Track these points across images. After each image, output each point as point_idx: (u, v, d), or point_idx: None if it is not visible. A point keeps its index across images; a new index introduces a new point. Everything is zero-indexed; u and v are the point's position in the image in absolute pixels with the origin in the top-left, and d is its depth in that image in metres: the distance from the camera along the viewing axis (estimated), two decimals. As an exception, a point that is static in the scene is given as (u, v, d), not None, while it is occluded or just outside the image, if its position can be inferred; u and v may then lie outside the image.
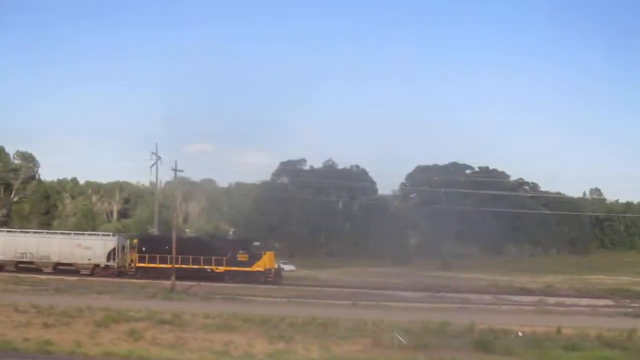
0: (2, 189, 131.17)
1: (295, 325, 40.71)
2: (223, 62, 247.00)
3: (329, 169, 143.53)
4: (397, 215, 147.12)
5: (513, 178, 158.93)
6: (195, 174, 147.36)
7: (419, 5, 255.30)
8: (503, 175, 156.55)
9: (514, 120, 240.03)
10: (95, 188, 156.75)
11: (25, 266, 76.79)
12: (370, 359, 33.26)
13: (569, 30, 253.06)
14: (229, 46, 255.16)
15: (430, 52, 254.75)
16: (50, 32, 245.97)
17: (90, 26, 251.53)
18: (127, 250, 79.32)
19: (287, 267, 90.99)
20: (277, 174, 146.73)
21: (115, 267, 76.42)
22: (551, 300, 61.61)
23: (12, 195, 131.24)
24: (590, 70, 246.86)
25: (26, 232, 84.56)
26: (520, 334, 38.94)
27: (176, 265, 71.43)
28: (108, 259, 76.26)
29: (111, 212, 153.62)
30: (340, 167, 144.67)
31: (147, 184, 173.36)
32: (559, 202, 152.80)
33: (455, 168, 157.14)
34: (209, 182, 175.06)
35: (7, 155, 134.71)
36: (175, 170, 67.85)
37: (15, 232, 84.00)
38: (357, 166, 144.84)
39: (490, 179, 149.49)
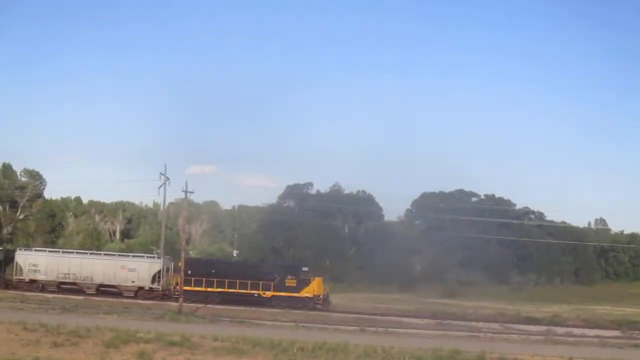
0: (7, 206, 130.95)
1: (306, 350, 40.46)
2: (229, 86, 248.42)
3: (336, 193, 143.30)
4: (402, 241, 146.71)
5: (519, 206, 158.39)
6: (197, 196, 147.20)
7: (427, 35, 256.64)
8: (509, 203, 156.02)
9: (520, 149, 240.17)
10: (99, 207, 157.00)
11: (67, 287, 76.54)
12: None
13: (576, 62, 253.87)
14: (235, 70, 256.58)
15: (439, 80, 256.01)
16: (55, 48, 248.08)
17: (95, 44, 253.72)
18: (171, 272, 78.92)
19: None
20: (284, 197, 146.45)
21: (160, 290, 75.89)
22: (559, 330, 61.38)
23: (18, 212, 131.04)
24: (597, 101, 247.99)
25: (69, 252, 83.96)
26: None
27: (223, 290, 71.92)
28: (152, 281, 75.86)
29: (114, 232, 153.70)
30: (346, 191, 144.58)
31: (150, 204, 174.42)
32: (564, 231, 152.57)
33: (461, 195, 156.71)
34: (212, 204, 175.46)
35: (14, 172, 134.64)
36: (186, 191, 67.50)
37: (58, 252, 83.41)
38: (363, 191, 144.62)
39: (496, 207, 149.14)
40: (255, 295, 73.19)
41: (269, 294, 73.26)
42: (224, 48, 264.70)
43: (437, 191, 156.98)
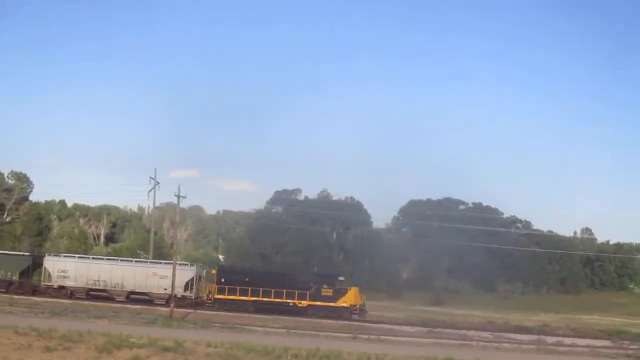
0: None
1: (300, 357, 40.20)
2: (216, 92, 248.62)
3: (324, 199, 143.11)
4: (389, 248, 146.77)
5: (506, 215, 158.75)
6: (182, 200, 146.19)
7: (415, 43, 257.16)
8: (496, 212, 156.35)
9: (508, 157, 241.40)
10: (83, 211, 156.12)
11: (97, 294, 75.86)
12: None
13: (562, 70, 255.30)
14: (224, 76, 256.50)
15: (428, 88, 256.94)
16: (41, 54, 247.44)
17: (79, 52, 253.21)
18: (202, 280, 78.41)
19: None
20: (272, 202, 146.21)
21: (193, 297, 75.15)
22: (550, 339, 61.36)
23: (5, 215, 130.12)
24: (583, 111, 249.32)
25: (99, 258, 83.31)
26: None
27: (257, 298, 71.71)
28: (185, 289, 75.05)
29: (98, 236, 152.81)
30: (335, 198, 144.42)
31: (134, 208, 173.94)
32: (550, 240, 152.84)
33: (448, 203, 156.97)
34: (197, 209, 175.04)
35: (1, 175, 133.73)
36: (178, 196, 67.04)
37: (88, 258, 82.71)
38: (351, 198, 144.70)
39: (484, 215, 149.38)
40: (291, 304, 72.50)
41: (304, 303, 72.52)
42: (211, 55, 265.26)
43: (424, 199, 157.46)
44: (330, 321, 66.64)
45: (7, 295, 71.01)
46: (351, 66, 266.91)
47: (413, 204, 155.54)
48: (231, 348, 41.18)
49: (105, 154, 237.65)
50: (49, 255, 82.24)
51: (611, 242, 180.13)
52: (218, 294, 73.15)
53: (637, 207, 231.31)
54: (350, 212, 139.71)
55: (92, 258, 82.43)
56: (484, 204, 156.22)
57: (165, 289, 74.05)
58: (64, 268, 76.67)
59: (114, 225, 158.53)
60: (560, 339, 62.37)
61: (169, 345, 40.11)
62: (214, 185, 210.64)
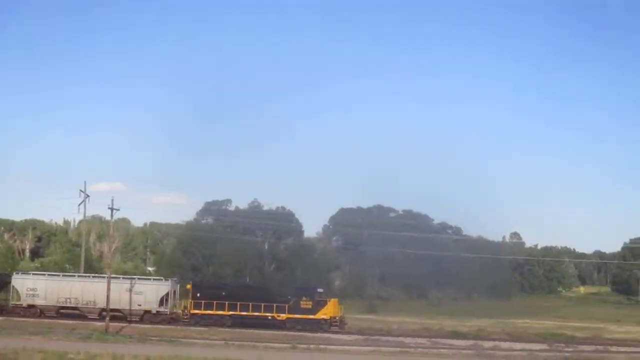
0: None
1: (241, 369, 39.94)
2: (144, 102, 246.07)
3: (255, 209, 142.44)
4: (321, 257, 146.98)
5: (437, 221, 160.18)
6: (108, 213, 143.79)
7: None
8: (427, 218, 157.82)
9: (437, 165, 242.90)
10: (7, 226, 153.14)
11: (68, 312, 73.35)
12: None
13: (480, 77, 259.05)
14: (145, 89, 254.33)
15: (355, 98, 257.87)
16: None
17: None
18: (177, 295, 76.86)
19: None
20: (202, 213, 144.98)
21: (167, 313, 73.28)
22: (486, 344, 61.79)
23: None
24: (510, 115, 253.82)
25: (71, 275, 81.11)
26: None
27: (235, 313, 70.28)
28: (160, 304, 73.29)
29: (23, 251, 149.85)
30: (265, 208, 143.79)
31: (60, 222, 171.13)
32: (480, 245, 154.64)
33: (379, 211, 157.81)
34: (124, 221, 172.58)
35: None
36: (112, 208, 65.66)
37: (58, 275, 79.64)
38: (283, 207, 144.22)
39: (414, 222, 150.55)
40: (269, 317, 71.38)
41: (283, 316, 71.35)
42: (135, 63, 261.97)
43: (355, 207, 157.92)
44: (267, 331, 66.15)
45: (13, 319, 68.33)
46: (274, 74, 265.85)
47: (344, 212, 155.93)
48: (170, 362, 40.65)
49: (27, 166, 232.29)
50: (17, 273, 79.82)
51: (539, 247, 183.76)
52: (194, 309, 71.73)
53: (564, 211, 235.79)
54: (281, 222, 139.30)
55: (63, 275, 79.82)
56: (414, 211, 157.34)
57: (140, 305, 72.63)
58: (33, 286, 73.95)
59: (39, 239, 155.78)
60: (496, 343, 62.73)
61: (107, 360, 39.41)
62: (141, 198, 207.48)
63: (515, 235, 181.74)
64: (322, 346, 54.62)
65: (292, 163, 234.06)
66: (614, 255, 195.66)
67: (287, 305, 71.77)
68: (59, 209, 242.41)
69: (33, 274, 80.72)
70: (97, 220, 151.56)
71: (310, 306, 71.94)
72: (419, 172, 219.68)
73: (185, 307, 73.08)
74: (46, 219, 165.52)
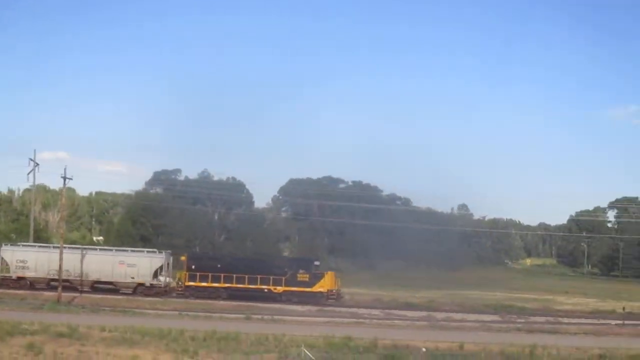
0: None
1: (197, 339, 39.80)
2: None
3: (205, 180, 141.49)
4: (270, 228, 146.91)
5: (386, 193, 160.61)
6: (53, 182, 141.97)
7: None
8: (376, 189, 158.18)
9: (386, 136, 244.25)
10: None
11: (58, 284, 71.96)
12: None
13: (435, 57, 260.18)
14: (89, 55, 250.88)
15: (308, 68, 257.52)
16: None
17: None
18: (170, 268, 75.77)
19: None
20: (151, 183, 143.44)
21: (162, 286, 72.17)
22: (439, 315, 62.43)
23: None
24: (461, 87, 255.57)
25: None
26: (424, 349, 38.94)
27: (231, 285, 69.55)
28: (153, 277, 72.21)
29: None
30: (216, 178, 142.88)
31: (5, 191, 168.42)
32: (429, 217, 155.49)
33: (328, 182, 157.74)
34: (69, 190, 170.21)
35: None
36: (65, 177, 64.82)
37: (49, 247, 77.75)
38: (233, 178, 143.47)
39: (364, 193, 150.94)
40: (266, 290, 70.72)
41: (280, 289, 70.82)
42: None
43: (304, 177, 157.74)
44: (220, 302, 66.04)
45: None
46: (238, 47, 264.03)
47: (293, 183, 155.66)
48: (126, 332, 40.41)
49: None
50: (6, 244, 77.57)
51: (487, 219, 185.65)
52: (189, 281, 70.94)
53: (511, 184, 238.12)
54: (232, 192, 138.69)
55: (54, 247, 77.21)
56: (364, 182, 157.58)
57: (133, 278, 71.73)
58: (23, 258, 72.45)
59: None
60: (449, 314, 63.53)
61: (62, 330, 39.06)
62: (86, 166, 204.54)
63: (463, 207, 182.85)
64: (276, 317, 54.68)
65: (243, 134, 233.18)
66: (559, 228, 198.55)
67: (283, 278, 71.33)
68: (2, 178, 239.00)
69: (23, 245, 78.43)
70: (42, 189, 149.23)
71: (307, 279, 71.74)
72: (368, 143, 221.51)
73: (179, 279, 72.37)
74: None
